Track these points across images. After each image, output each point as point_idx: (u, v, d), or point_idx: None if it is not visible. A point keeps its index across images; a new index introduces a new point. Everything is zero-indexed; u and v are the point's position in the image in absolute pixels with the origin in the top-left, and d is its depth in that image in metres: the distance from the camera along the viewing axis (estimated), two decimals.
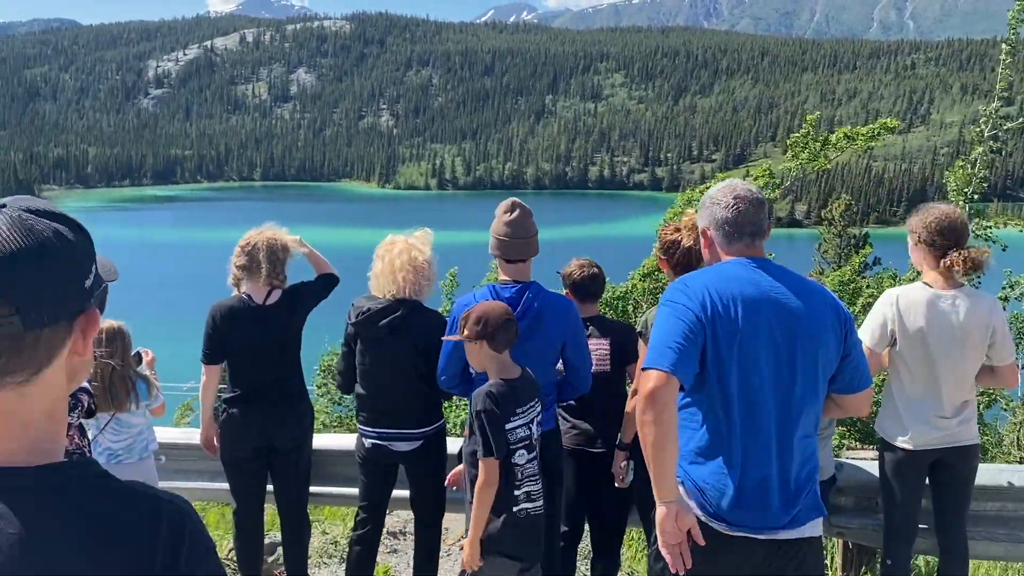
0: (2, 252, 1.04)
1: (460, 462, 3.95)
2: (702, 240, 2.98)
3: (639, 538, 5.41)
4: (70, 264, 1.11)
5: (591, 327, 4.23)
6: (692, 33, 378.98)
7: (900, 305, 3.79)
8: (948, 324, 3.74)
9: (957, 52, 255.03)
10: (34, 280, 1.06)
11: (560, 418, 4.19)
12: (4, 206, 1.09)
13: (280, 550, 5.12)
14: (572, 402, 4.16)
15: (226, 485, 4.60)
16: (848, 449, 4.87)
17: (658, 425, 2.53)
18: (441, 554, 4.60)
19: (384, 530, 4.90)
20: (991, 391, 8.39)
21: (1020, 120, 9.80)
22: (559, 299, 3.95)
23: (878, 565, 4.69)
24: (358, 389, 4.22)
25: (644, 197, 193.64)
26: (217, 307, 4.35)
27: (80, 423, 3.76)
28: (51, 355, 1.10)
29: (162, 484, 4.59)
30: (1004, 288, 8.58)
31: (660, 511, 2.64)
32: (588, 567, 4.78)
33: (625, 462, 4.09)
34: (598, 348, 4.17)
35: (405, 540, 5.74)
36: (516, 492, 3.43)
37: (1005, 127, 9.14)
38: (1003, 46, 8.93)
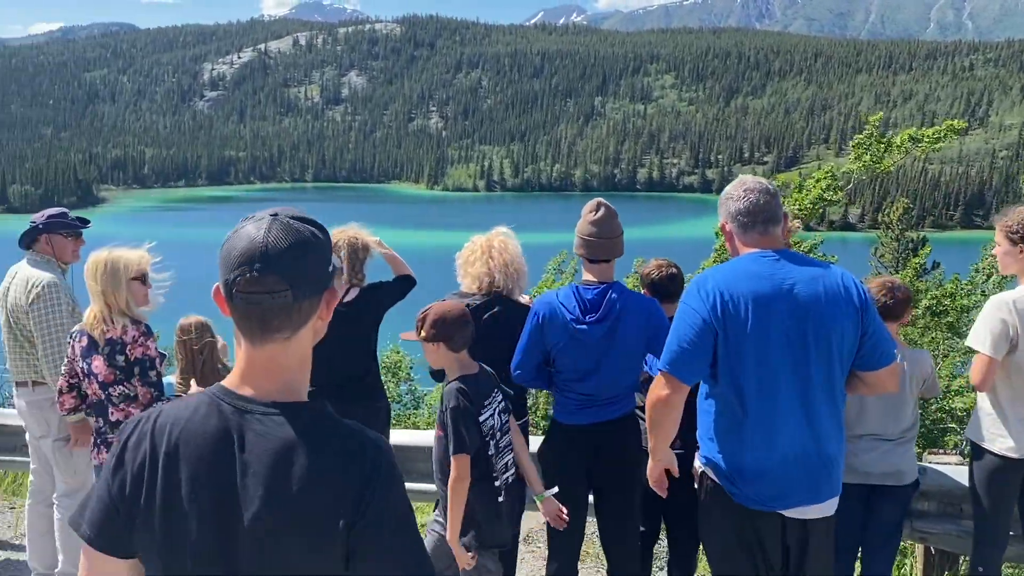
0: (281, 247, 1.43)
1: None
2: (724, 236, 3.15)
3: None
4: (321, 254, 1.50)
5: None
6: (744, 34, 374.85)
7: (1020, 310, 3.69)
8: None
9: (1017, 53, 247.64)
10: (301, 266, 1.45)
11: (639, 419, 4.16)
12: (276, 215, 1.48)
13: None
14: None
15: None
16: (930, 453, 4.78)
17: (660, 425, 3.01)
18: None
19: None
20: None
21: None
22: (642, 299, 3.91)
23: (961, 571, 4.62)
24: None
25: (694, 199, 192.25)
26: None
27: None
28: (306, 319, 1.51)
29: None
30: None
31: (651, 464, 3.31)
32: (664, 570, 4.75)
33: None
34: None
35: None
36: (496, 483, 3.54)
37: None
38: None
